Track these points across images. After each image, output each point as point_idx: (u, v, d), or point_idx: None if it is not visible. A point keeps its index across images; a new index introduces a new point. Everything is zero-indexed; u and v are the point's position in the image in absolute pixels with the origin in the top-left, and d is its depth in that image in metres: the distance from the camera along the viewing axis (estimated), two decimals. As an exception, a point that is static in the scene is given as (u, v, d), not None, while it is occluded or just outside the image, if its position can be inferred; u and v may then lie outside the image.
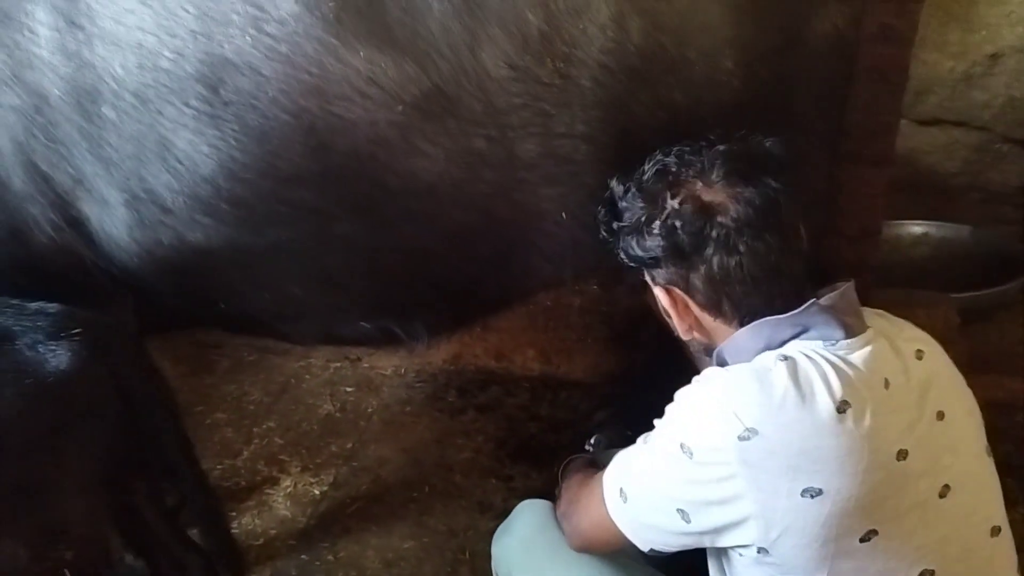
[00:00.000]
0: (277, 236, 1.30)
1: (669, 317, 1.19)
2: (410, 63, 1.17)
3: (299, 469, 2.17)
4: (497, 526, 1.91)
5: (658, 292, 1.16)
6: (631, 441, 1.66)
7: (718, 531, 1.02)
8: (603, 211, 1.21)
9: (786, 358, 1.02)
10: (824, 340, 1.04)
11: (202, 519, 1.45)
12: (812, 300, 1.05)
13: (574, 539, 1.26)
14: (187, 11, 1.16)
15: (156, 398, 1.31)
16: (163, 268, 1.34)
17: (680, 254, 1.09)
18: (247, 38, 1.15)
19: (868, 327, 1.06)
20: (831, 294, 1.06)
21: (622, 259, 1.18)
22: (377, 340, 1.50)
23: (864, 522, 0.97)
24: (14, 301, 1.22)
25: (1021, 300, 2.23)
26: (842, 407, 0.96)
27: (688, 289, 1.12)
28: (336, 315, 1.45)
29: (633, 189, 1.15)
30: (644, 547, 1.10)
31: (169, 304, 1.43)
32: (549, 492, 1.65)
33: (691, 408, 1.05)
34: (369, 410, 2.35)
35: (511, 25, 1.19)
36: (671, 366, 2.02)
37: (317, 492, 2.10)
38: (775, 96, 1.34)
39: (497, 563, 1.43)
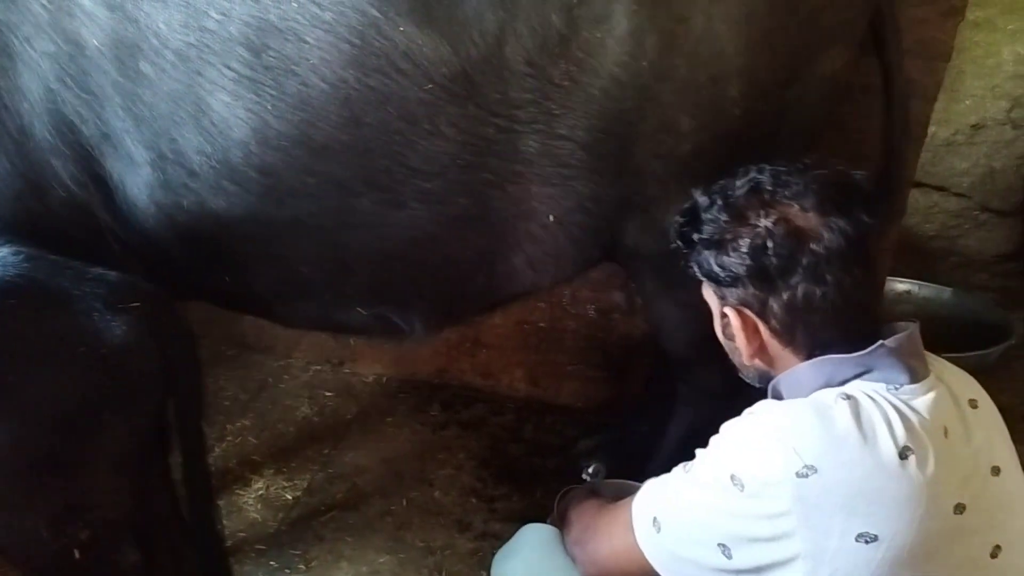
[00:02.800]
0: (299, 209, 1.29)
1: (731, 339, 1.14)
2: (445, 44, 1.20)
3: (272, 471, 2.11)
4: (475, 547, 1.90)
5: (728, 311, 1.11)
6: (625, 472, 1.63)
7: (760, 570, 0.98)
8: (681, 221, 1.17)
9: (848, 397, 0.99)
10: (887, 383, 1.01)
11: (199, 516, 1.36)
12: (879, 342, 1.02)
13: (589, 568, 1.21)
14: (237, -28, 1.17)
15: (198, 381, 1.26)
16: (178, 234, 1.33)
17: (764, 276, 1.05)
18: (294, 4, 1.17)
19: (931, 372, 1.05)
20: (898, 336, 1.03)
21: (693, 272, 1.14)
22: (370, 330, 1.49)
23: (915, 573, 0.94)
24: (74, 263, 1.16)
25: (1001, 365, 2.26)
26: (904, 453, 0.94)
27: (763, 313, 1.08)
28: (337, 298, 1.44)
29: (720, 203, 1.10)
30: None
31: (175, 274, 1.41)
32: (531, 516, 1.62)
33: (746, 440, 1.01)
34: (348, 417, 2.31)
35: (536, 23, 1.21)
36: (661, 400, 2.04)
37: (290, 497, 2.04)
38: (766, 129, 1.36)
39: None
